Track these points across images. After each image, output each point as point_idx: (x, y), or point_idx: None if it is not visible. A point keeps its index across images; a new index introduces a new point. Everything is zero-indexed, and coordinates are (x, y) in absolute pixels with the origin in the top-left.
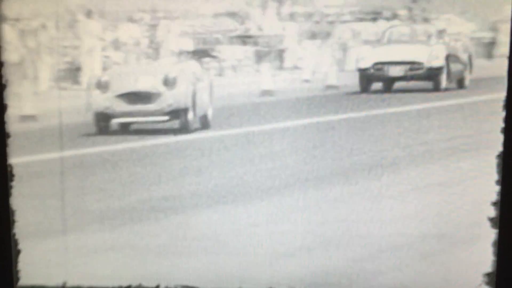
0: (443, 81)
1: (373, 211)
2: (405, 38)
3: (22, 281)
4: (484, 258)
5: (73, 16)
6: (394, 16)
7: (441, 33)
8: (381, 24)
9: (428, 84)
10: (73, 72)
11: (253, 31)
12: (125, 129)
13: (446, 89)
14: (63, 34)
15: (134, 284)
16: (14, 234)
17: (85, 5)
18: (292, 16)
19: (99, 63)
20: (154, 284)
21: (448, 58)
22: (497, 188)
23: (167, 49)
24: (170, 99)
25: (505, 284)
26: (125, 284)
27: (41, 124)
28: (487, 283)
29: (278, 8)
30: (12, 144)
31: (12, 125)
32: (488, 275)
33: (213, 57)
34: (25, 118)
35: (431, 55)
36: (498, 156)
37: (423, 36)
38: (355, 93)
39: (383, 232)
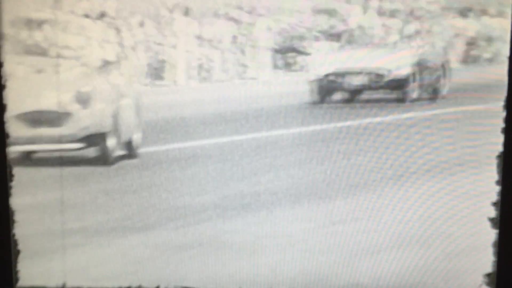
0: (411, 92)
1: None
2: (366, 42)
3: (22, 282)
4: (484, 259)
5: (170, 14)
6: (500, 14)
7: (410, 36)
8: (485, 22)
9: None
10: (168, 70)
11: (352, 28)
12: (27, 159)
13: (416, 100)
14: (159, 31)
15: (134, 285)
16: (14, 234)
17: (183, 3)
18: (392, 13)
19: (194, 61)
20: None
21: (418, 65)
22: (497, 188)
23: (263, 46)
24: (84, 120)
25: (505, 284)
26: (124, 284)
27: None
28: (488, 284)
29: (379, 5)
30: None
31: None
32: (488, 275)
33: (308, 54)
34: None
35: (395, 62)
36: (498, 156)
37: (388, 40)
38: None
39: None
